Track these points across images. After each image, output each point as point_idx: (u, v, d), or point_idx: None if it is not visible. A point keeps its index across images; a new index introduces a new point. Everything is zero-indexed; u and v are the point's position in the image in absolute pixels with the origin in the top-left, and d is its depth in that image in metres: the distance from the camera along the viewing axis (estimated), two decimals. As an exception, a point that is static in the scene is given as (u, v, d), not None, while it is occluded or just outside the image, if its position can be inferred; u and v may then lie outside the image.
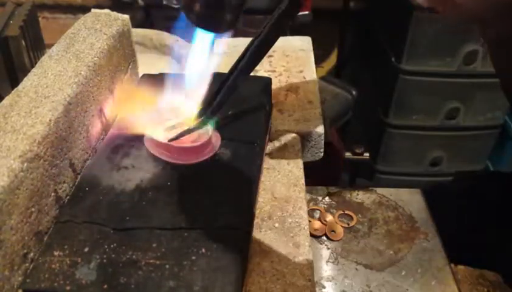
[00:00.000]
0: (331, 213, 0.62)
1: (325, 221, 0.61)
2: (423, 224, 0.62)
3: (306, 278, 0.43)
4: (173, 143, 0.47)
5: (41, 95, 0.45)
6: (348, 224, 0.61)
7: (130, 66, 0.62)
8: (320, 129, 0.62)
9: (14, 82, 0.74)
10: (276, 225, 0.48)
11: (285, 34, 0.51)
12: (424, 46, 1.28)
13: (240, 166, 0.47)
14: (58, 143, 0.43)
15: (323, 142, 0.63)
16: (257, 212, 0.49)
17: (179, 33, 0.46)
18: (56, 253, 0.38)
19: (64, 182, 0.45)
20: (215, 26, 0.43)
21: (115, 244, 0.39)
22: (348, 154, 0.85)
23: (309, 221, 0.57)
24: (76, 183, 0.46)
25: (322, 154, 0.65)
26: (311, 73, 0.74)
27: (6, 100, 0.44)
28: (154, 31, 1.03)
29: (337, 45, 1.75)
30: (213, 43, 0.46)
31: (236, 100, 0.55)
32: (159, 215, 0.41)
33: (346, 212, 0.63)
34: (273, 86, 0.61)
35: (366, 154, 0.86)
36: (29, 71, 0.49)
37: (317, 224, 0.61)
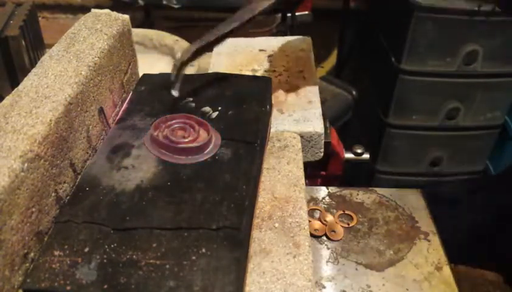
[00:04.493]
0: (331, 213, 0.62)
1: (325, 221, 0.61)
2: (423, 224, 0.62)
3: (306, 278, 0.43)
4: (173, 143, 0.47)
5: (41, 95, 0.45)
6: (348, 224, 0.61)
7: (130, 66, 0.62)
8: (320, 129, 0.62)
9: (14, 82, 0.74)
10: (277, 225, 0.48)
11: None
12: (424, 46, 1.28)
13: (240, 166, 0.47)
14: (59, 143, 0.43)
15: (323, 142, 0.63)
16: (257, 212, 0.49)
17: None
18: (56, 253, 0.38)
19: (65, 182, 0.45)
20: None
21: (115, 244, 0.39)
22: (348, 154, 0.85)
23: (309, 221, 0.57)
24: (77, 183, 0.46)
25: (322, 154, 0.65)
26: (311, 73, 0.74)
27: (7, 100, 0.44)
28: (154, 31, 1.04)
29: (337, 45, 1.75)
30: None
31: (236, 100, 0.55)
32: (159, 215, 0.41)
33: (346, 212, 0.63)
34: (273, 86, 0.61)
35: (366, 154, 0.86)
36: (29, 71, 0.49)
37: (317, 224, 0.61)
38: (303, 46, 0.81)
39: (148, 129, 0.50)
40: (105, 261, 0.38)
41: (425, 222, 0.62)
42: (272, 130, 0.61)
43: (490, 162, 1.54)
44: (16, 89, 0.46)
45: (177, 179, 0.45)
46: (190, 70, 0.89)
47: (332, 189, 0.67)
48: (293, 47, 0.81)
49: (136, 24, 1.16)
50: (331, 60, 1.83)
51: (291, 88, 0.70)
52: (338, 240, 0.59)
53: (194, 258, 0.38)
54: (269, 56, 0.78)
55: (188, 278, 0.37)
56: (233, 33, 0.58)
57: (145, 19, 1.47)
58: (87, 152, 0.50)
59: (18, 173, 0.37)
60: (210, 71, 0.74)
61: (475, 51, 1.27)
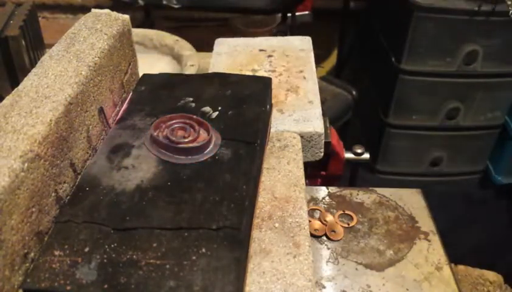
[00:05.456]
0: (331, 213, 0.62)
1: (325, 221, 0.61)
2: (423, 224, 0.62)
3: (306, 278, 0.43)
4: (173, 143, 0.47)
5: (41, 95, 0.45)
6: (348, 224, 0.61)
7: (130, 66, 0.62)
8: (320, 129, 0.62)
9: (14, 82, 0.74)
10: (277, 225, 0.48)
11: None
12: (424, 46, 1.28)
13: (240, 166, 0.47)
14: (59, 143, 0.43)
15: (323, 142, 0.63)
16: (257, 211, 0.49)
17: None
18: (56, 253, 0.38)
19: (65, 182, 0.45)
20: None
21: (115, 244, 0.39)
22: (348, 154, 0.85)
23: (309, 221, 0.57)
24: (77, 183, 0.46)
25: (322, 154, 0.65)
26: (311, 73, 0.74)
27: (7, 100, 0.44)
28: (154, 31, 1.04)
29: (337, 45, 1.75)
30: None
31: (236, 100, 0.55)
32: (159, 215, 0.41)
33: (346, 211, 0.63)
34: (273, 86, 0.61)
35: (366, 154, 0.86)
36: (29, 71, 0.49)
37: (317, 224, 0.61)
38: (303, 46, 0.81)
39: (148, 129, 0.50)
40: (105, 261, 0.38)
41: (425, 222, 0.62)
42: (272, 130, 0.61)
43: (490, 162, 1.55)
44: (16, 89, 0.46)
45: (177, 179, 0.45)
46: (190, 70, 0.90)
47: (332, 189, 0.67)
48: (293, 47, 0.81)
49: (136, 24, 1.16)
50: (331, 60, 1.83)
51: (291, 88, 0.70)
52: (338, 240, 0.59)
53: (194, 258, 0.38)
54: (269, 56, 0.78)
55: (188, 278, 0.37)
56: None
57: (145, 19, 1.47)
58: (87, 152, 0.50)
59: (18, 173, 0.37)
60: (210, 71, 0.74)
61: (475, 51, 1.28)
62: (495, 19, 1.22)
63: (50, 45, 0.54)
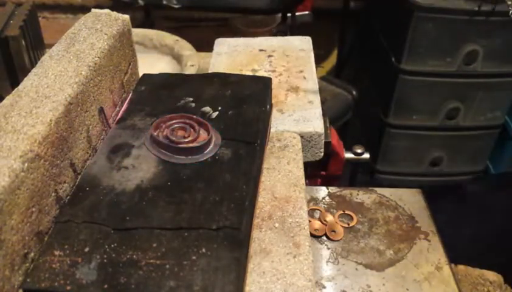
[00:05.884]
0: (331, 213, 0.62)
1: (325, 221, 0.61)
2: (423, 224, 0.62)
3: (306, 278, 0.43)
4: (173, 143, 0.47)
5: (41, 95, 0.45)
6: (348, 224, 0.61)
7: (130, 66, 0.62)
8: (320, 129, 0.62)
9: (14, 82, 0.74)
10: (277, 225, 0.48)
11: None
12: (424, 46, 1.28)
13: (240, 166, 0.47)
14: (59, 143, 0.43)
15: (323, 142, 0.63)
16: (257, 211, 0.49)
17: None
18: (56, 253, 0.38)
19: (65, 182, 0.45)
20: None
21: (115, 244, 0.39)
22: (348, 154, 0.85)
23: (309, 221, 0.57)
24: (77, 183, 0.46)
25: (322, 154, 0.65)
26: (311, 73, 0.74)
27: (7, 100, 0.44)
28: (154, 31, 1.04)
29: (337, 45, 1.75)
30: None
31: (236, 100, 0.55)
32: (159, 215, 0.41)
33: (346, 211, 0.63)
34: (273, 86, 0.61)
35: (366, 154, 0.87)
36: (29, 71, 0.49)
37: (317, 224, 0.61)
38: (303, 46, 0.81)
39: (148, 129, 0.50)
40: (105, 261, 0.38)
41: (425, 222, 0.62)
42: (272, 130, 0.61)
43: (490, 162, 1.55)
44: (16, 89, 0.46)
45: (177, 179, 0.45)
46: (190, 70, 0.90)
47: (332, 189, 0.67)
48: (293, 47, 0.81)
49: (136, 24, 1.16)
50: (331, 60, 1.83)
51: (291, 88, 0.70)
52: (338, 240, 0.59)
53: (194, 258, 0.38)
54: (269, 56, 0.78)
55: (188, 278, 0.37)
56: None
57: (145, 19, 1.47)
58: (87, 152, 0.50)
59: (18, 173, 0.37)
60: (210, 71, 0.74)
61: (475, 51, 1.27)
62: (495, 19, 1.22)
63: (50, 45, 0.54)
